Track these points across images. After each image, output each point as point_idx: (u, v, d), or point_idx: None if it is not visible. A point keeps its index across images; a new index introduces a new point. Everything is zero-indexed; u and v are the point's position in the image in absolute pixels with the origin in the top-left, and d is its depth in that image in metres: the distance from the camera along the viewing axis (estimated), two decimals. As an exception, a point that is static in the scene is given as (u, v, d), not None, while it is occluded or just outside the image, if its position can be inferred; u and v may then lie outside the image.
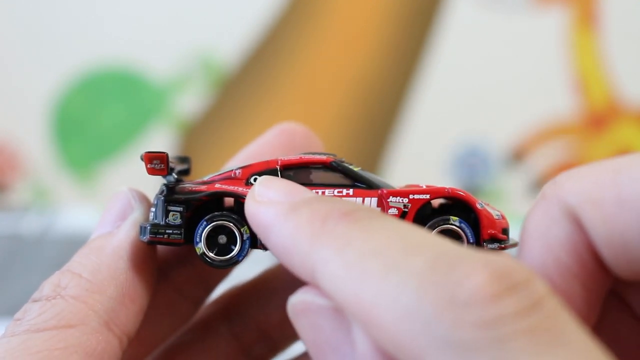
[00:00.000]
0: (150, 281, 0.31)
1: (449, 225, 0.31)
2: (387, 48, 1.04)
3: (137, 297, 0.30)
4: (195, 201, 0.32)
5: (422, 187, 0.31)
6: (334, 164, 0.32)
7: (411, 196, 0.31)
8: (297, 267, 0.24)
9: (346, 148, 1.06)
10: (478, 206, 0.31)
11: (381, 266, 0.21)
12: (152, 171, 0.33)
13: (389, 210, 0.31)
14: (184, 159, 0.37)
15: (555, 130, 1.05)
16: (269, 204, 0.26)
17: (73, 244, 0.79)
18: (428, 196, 0.31)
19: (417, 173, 1.05)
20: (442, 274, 0.20)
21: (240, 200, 0.32)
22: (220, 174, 0.33)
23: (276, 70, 1.05)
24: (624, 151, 1.05)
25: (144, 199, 0.33)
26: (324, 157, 0.32)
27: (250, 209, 0.27)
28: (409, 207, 0.31)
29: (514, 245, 0.31)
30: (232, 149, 1.17)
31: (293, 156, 0.32)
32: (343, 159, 0.34)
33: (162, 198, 0.33)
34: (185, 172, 0.38)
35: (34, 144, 1.07)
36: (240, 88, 1.06)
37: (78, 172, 1.07)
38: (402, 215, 0.31)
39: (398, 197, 0.31)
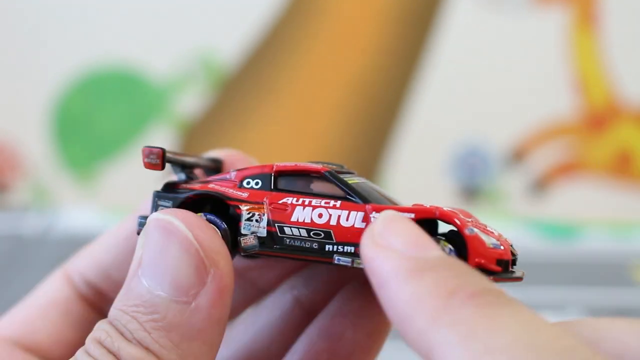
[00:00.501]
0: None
1: None
2: (387, 48, 1.04)
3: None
4: (184, 198, 0.32)
5: (422, 205, 0.30)
6: (326, 174, 0.31)
7: None
8: (411, 339, 0.22)
9: (346, 148, 1.06)
10: (466, 232, 0.28)
11: None
12: (148, 165, 0.32)
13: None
14: (215, 160, 0.36)
15: (555, 130, 1.05)
16: (390, 253, 0.24)
17: (73, 243, 0.79)
18: (413, 215, 0.29)
19: (417, 173, 1.05)
20: None
21: (226, 202, 0.31)
22: (219, 175, 0.33)
23: (276, 70, 1.05)
24: (624, 152, 1.05)
25: (217, 237, 0.29)
26: (318, 166, 0.31)
27: (368, 251, 0.24)
28: None
29: (517, 279, 0.29)
30: (232, 148, 1.15)
31: (289, 163, 0.32)
32: (344, 167, 0.33)
33: (154, 192, 0.33)
34: (216, 172, 0.36)
35: (34, 144, 1.07)
36: (240, 88, 1.06)
37: (78, 172, 1.07)
38: None
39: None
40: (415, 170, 1.05)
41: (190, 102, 1.06)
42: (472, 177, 1.06)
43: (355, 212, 0.30)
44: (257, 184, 0.32)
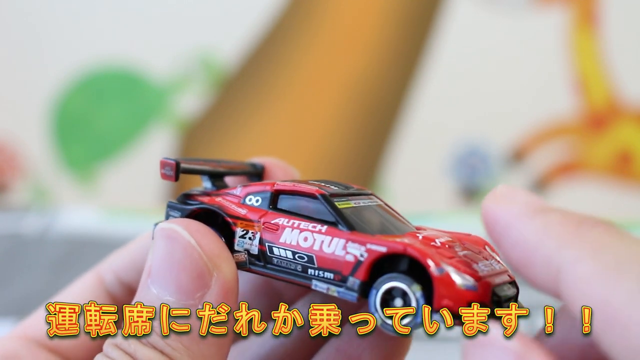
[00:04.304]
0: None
1: (395, 285, 0.27)
2: (387, 48, 1.04)
3: None
4: (189, 211, 0.32)
5: (415, 234, 0.29)
6: (319, 197, 0.31)
7: (368, 246, 0.28)
8: (538, 265, 0.23)
9: (347, 148, 1.06)
10: (434, 272, 0.26)
11: None
12: (163, 176, 0.33)
13: (346, 257, 0.28)
14: (254, 165, 0.36)
15: (555, 130, 1.05)
16: (513, 203, 0.25)
17: (73, 244, 0.79)
18: (385, 249, 0.28)
19: (417, 173, 1.05)
20: None
21: (224, 219, 0.31)
22: (229, 188, 0.33)
23: (276, 70, 1.05)
24: (624, 152, 1.05)
25: (219, 244, 0.30)
26: (314, 189, 0.31)
27: (490, 205, 0.25)
28: (365, 256, 0.28)
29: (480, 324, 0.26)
30: (232, 149, 1.16)
31: (288, 182, 0.32)
32: (350, 187, 0.32)
33: (167, 203, 0.33)
34: (258, 178, 0.36)
35: (34, 144, 1.07)
36: (240, 88, 1.06)
37: (78, 172, 1.07)
38: (357, 264, 0.28)
39: (356, 245, 0.28)
40: (416, 170, 1.05)
41: (190, 102, 1.06)
42: (472, 177, 1.06)
43: (338, 240, 0.29)
44: (257, 201, 0.32)
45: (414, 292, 0.27)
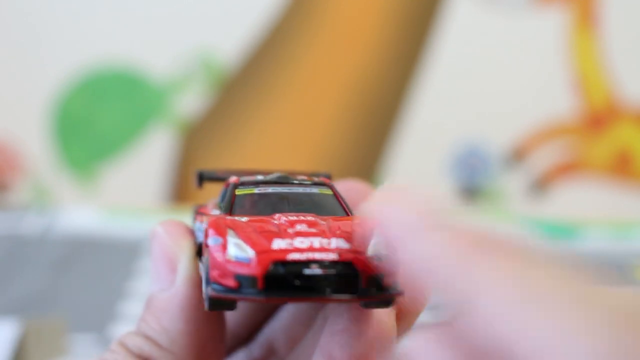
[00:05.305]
0: (221, 332, 0.31)
1: None
2: (387, 48, 1.04)
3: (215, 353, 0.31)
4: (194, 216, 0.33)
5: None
6: (231, 185, 0.30)
7: (204, 223, 0.28)
8: (442, 280, 0.21)
9: (347, 148, 1.06)
10: (208, 241, 0.26)
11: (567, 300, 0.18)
12: (197, 186, 0.35)
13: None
14: (318, 174, 0.34)
15: (555, 130, 1.05)
16: (406, 212, 0.23)
17: (73, 244, 0.79)
18: (206, 225, 0.27)
19: (417, 173, 1.06)
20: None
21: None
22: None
23: (276, 70, 1.05)
24: (623, 152, 1.05)
25: (184, 233, 0.31)
26: (235, 179, 0.31)
27: (381, 210, 0.24)
28: (203, 230, 0.28)
29: (256, 299, 0.25)
30: (232, 149, 1.16)
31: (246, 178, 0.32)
32: (290, 179, 0.31)
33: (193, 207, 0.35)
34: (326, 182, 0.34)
35: (35, 144, 1.07)
36: (241, 88, 1.06)
37: (78, 172, 1.07)
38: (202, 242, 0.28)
39: (204, 223, 0.28)
40: (416, 170, 1.06)
41: (190, 102, 1.06)
42: (472, 177, 1.06)
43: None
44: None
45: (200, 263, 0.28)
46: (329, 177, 0.34)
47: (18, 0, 1.05)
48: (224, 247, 0.25)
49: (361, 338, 0.27)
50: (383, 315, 0.28)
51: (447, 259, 0.21)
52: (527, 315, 0.19)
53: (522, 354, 0.18)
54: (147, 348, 0.29)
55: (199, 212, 0.33)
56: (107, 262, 0.77)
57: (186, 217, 0.33)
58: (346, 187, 0.34)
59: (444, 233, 0.22)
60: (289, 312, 0.34)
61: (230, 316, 0.34)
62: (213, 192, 0.33)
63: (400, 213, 0.23)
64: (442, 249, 0.21)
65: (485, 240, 0.21)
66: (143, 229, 0.78)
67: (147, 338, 0.29)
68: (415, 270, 0.22)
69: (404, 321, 0.29)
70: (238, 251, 0.25)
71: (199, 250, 0.30)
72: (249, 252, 0.25)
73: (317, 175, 0.33)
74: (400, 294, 0.26)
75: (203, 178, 0.35)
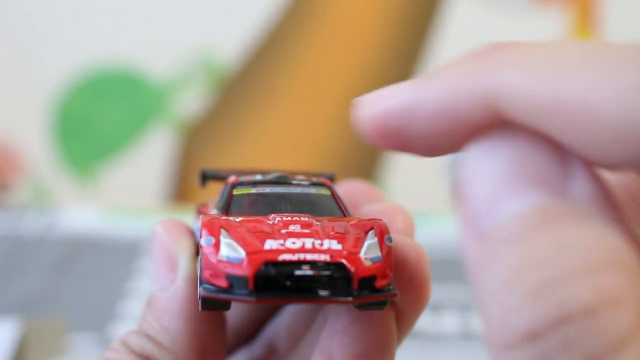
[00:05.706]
0: (222, 333, 0.31)
1: None
2: (387, 48, 1.04)
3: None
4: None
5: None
6: (230, 184, 0.31)
7: (198, 221, 0.28)
8: (463, 92, 0.20)
9: (347, 148, 1.06)
10: (201, 242, 0.26)
11: (584, 57, 0.18)
12: (200, 185, 0.36)
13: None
14: (322, 175, 0.33)
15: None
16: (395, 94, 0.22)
17: (73, 244, 0.79)
18: (200, 224, 0.28)
19: (417, 173, 1.06)
20: None
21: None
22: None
23: (276, 70, 1.05)
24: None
25: (184, 232, 0.31)
26: (233, 179, 0.31)
27: (370, 110, 0.22)
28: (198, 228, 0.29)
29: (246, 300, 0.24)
30: (232, 149, 1.16)
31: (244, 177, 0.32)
32: (288, 179, 0.31)
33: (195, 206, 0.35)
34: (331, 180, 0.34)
35: (35, 144, 1.07)
36: (241, 88, 1.06)
37: (78, 172, 1.08)
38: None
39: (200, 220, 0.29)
40: (415, 169, 1.06)
41: (190, 102, 1.06)
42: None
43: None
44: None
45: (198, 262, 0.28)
46: (332, 177, 0.34)
47: (18, 0, 1.05)
48: (216, 247, 0.25)
49: (361, 339, 0.27)
50: (383, 316, 0.28)
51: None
52: (562, 74, 0.18)
53: (566, 113, 0.18)
54: (148, 347, 0.29)
55: (200, 211, 0.33)
56: (107, 262, 0.77)
57: (186, 217, 0.33)
58: (350, 187, 0.34)
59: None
60: (290, 312, 0.34)
61: (232, 315, 0.34)
62: (216, 192, 0.33)
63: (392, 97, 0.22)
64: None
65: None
66: (143, 229, 0.78)
67: (149, 337, 0.29)
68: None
69: (404, 322, 0.29)
70: (230, 251, 0.25)
71: (198, 250, 0.30)
72: (241, 253, 0.25)
73: (321, 175, 0.33)
74: (394, 295, 0.26)
75: (206, 177, 0.35)
